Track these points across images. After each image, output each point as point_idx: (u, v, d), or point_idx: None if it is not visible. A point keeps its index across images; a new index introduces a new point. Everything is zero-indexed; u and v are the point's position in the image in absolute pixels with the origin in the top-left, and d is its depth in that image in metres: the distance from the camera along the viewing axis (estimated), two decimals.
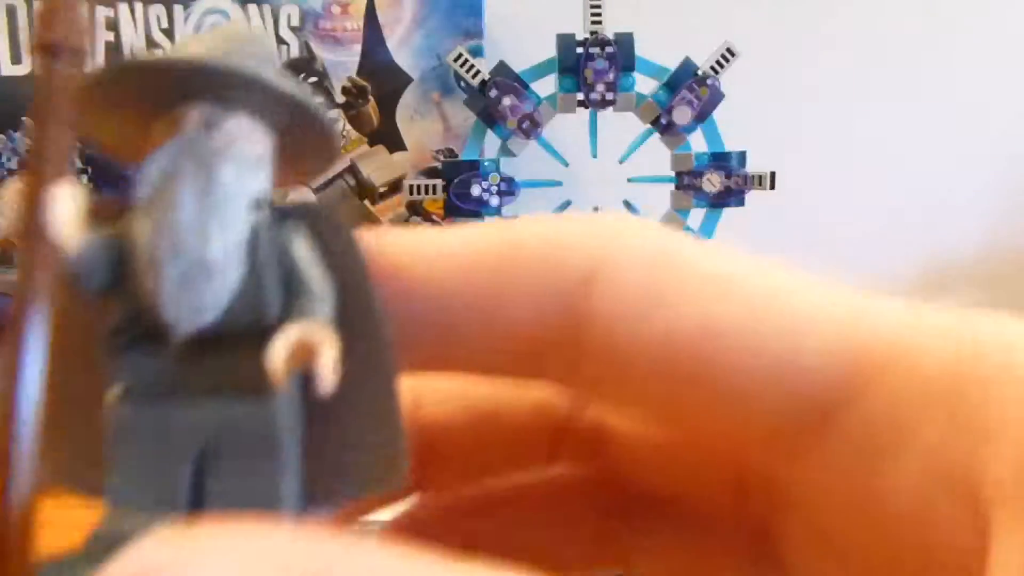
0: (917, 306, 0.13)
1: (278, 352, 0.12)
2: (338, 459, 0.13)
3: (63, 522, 0.13)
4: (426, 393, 0.16)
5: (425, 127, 0.71)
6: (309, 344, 0.12)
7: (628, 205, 0.66)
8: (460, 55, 0.60)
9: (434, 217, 0.72)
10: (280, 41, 0.68)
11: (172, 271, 0.12)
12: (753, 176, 0.61)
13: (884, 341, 0.12)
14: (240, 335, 0.13)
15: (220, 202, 0.12)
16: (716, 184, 0.61)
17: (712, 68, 0.60)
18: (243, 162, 0.13)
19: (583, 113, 0.61)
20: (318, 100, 0.13)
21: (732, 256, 0.13)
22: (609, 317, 0.13)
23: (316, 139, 0.14)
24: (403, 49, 0.69)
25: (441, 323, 0.13)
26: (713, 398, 0.13)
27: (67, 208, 0.12)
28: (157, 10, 0.66)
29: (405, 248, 0.14)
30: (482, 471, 0.17)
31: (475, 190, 0.61)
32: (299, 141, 0.14)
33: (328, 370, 0.12)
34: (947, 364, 0.12)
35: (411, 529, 0.17)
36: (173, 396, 0.13)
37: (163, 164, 0.12)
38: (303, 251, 0.13)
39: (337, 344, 0.12)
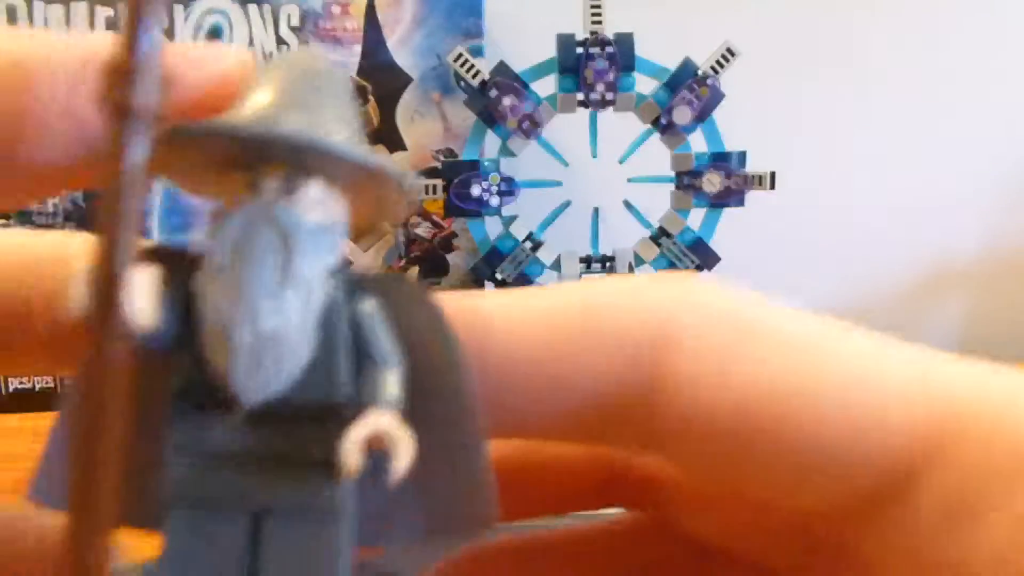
0: (995, 367, 0.13)
1: (352, 448, 0.12)
2: (420, 506, 0.13)
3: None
4: None
5: (425, 127, 0.71)
6: (384, 436, 0.12)
7: (628, 205, 0.66)
8: (460, 55, 0.60)
9: (434, 217, 0.72)
10: (280, 41, 0.68)
11: (245, 345, 0.12)
12: (753, 176, 0.61)
13: (965, 404, 0.12)
14: (308, 406, 0.12)
15: (299, 276, 0.12)
16: (716, 184, 0.61)
17: (712, 68, 0.60)
18: (321, 232, 0.12)
19: (583, 113, 0.61)
20: (392, 164, 0.13)
21: (804, 319, 0.13)
22: (682, 381, 0.13)
23: (387, 194, 0.13)
24: (403, 49, 0.69)
25: (514, 393, 0.13)
26: (787, 463, 0.13)
27: (145, 296, 0.11)
28: None
29: (481, 322, 0.13)
30: (532, 510, 0.17)
31: (475, 190, 0.61)
32: (374, 190, 0.13)
33: (402, 465, 0.12)
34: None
35: (462, 567, 0.17)
36: (235, 462, 0.12)
37: (240, 230, 0.12)
38: (375, 320, 0.13)
39: (411, 437, 0.12)
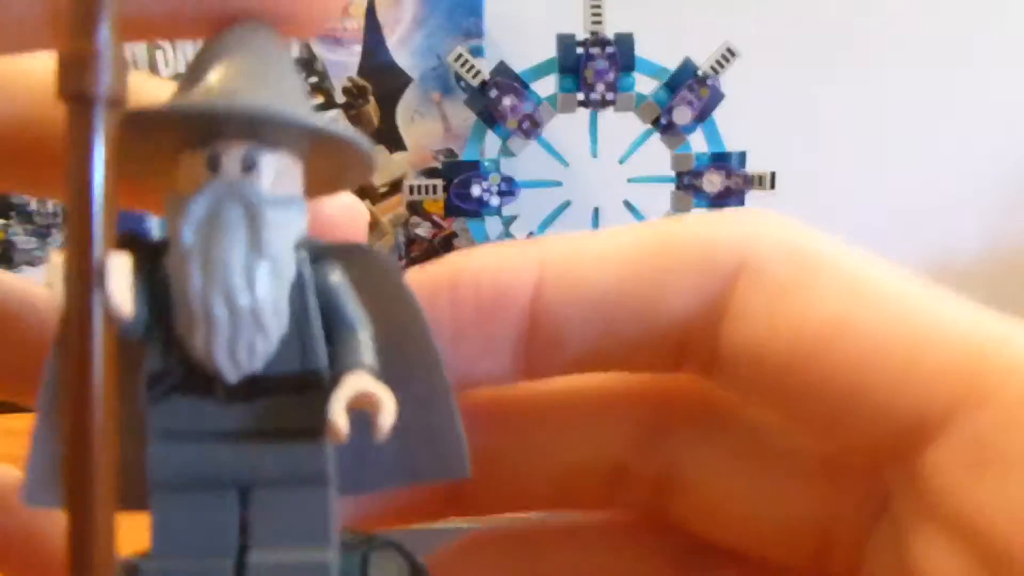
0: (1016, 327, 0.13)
1: (339, 412, 0.12)
2: (397, 453, 0.13)
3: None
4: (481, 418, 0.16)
5: (425, 127, 0.71)
6: (367, 397, 0.12)
7: (628, 205, 0.66)
8: (460, 55, 0.60)
9: (434, 217, 0.72)
10: None
11: (222, 323, 0.12)
12: (753, 176, 0.61)
13: (1002, 356, 0.12)
14: (287, 377, 0.13)
15: (270, 250, 0.12)
16: (716, 184, 0.61)
17: (712, 68, 0.60)
18: (285, 204, 0.12)
19: (583, 113, 0.61)
20: (347, 128, 0.13)
21: (866, 259, 0.14)
22: (746, 311, 0.14)
23: (349, 157, 0.13)
24: (403, 49, 0.69)
25: (603, 322, 0.14)
26: (832, 397, 0.13)
27: (122, 279, 0.11)
28: None
29: (568, 256, 0.14)
30: (537, 502, 0.17)
31: (475, 190, 0.61)
32: (331, 160, 0.13)
33: (387, 423, 0.12)
34: None
35: (469, 554, 0.17)
36: (220, 438, 0.13)
37: (206, 208, 0.12)
38: (340, 286, 0.13)
39: (391, 394, 0.12)
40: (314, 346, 0.13)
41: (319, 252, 0.13)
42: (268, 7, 0.13)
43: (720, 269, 0.14)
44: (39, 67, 0.15)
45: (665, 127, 0.61)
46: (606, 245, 0.14)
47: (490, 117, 0.60)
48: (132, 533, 0.13)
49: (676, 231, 0.14)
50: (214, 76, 0.12)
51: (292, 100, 0.12)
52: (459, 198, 0.61)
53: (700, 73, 0.60)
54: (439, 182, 0.62)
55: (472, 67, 0.60)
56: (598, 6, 0.59)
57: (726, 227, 0.14)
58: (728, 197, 0.61)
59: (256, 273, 0.12)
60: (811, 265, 0.14)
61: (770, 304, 0.13)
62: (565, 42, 0.60)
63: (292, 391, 0.13)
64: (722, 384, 0.15)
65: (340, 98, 0.70)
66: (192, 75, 0.12)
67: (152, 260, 0.12)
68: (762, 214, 0.15)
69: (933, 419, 0.12)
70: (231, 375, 0.12)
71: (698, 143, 0.62)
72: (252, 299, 0.12)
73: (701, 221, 0.15)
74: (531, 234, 0.63)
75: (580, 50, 0.59)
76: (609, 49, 0.59)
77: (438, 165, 0.68)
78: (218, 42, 0.13)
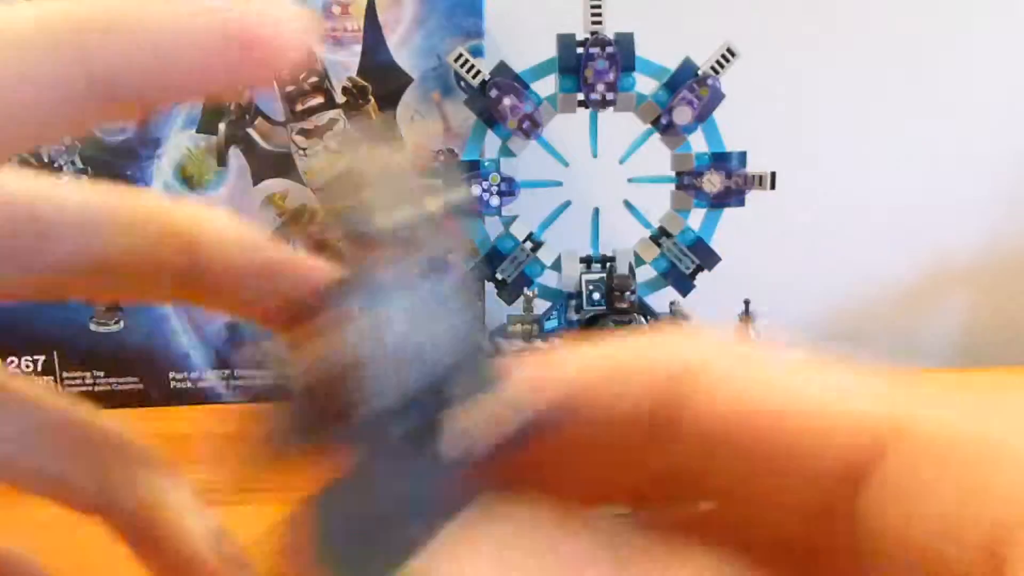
0: (920, 388, 0.16)
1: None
2: None
3: None
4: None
5: (425, 127, 0.71)
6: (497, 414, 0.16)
7: (628, 205, 0.66)
8: (460, 55, 0.60)
9: None
10: None
11: (408, 373, 0.16)
12: (753, 176, 0.61)
13: (904, 413, 0.15)
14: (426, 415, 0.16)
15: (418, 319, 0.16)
16: (716, 184, 0.61)
17: (712, 68, 0.60)
18: (432, 288, 0.17)
19: (583, 113, 0.61)
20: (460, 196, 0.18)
21: (785, 352, 0.18)
22: (702, 399, 0.17)
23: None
24: (403, 49, 0.69)
25: (571, 431, 0.18)
26: (780, 459, 0.16)
27: None
28: None
29: (542, 373, 0.18)
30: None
31: (475, 190, 0.61)
32: None
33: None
34: (954, 436, 0.15)
35: None
36: (383, 472, 0.16)
37: (376, 291, 0.16)
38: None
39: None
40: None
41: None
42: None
43: (676, 368, 0.17)
44: (146, 202, 0.20)
45: (665, 127, 0.61)
46: (571, 365, 0.18)
47: (490, 117, 0.60)
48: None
49: (628, 351, 0.18)
50: (380, 199, 0.16)
51: (425, 200, 0.17)
52: None
53: (700, 73, 0.60)
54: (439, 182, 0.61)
55: (472, 67, 0.60)
56: (598, 6, 0.59)
57: (677, 339, 0.18)
58: (728, 197, 0.61)
59: (432, 335, 0.16)
60: (749, 359, 0.17)
61: (720, 400, 0.17)
62: (565, 42, 0.60)
63: (433, 424, 0.16)
64: (684, 461, 0.18)
65: (340, 98, 0.70)
66: (344, 193, 0.16)
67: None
68: (695, 330, 0.19)
69: (862, 465, 0.15)
70: (396, 419, 0.16)
71: (698, 143, 0.62)
72: (407, 350, 0.16)
73: (648, 340, 0.19)
74: (531, 234, 0.63)
75: (580, 50, 0.59)
76: (609, 49, 0.59)
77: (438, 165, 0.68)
78: (358, 164, 0.17)
